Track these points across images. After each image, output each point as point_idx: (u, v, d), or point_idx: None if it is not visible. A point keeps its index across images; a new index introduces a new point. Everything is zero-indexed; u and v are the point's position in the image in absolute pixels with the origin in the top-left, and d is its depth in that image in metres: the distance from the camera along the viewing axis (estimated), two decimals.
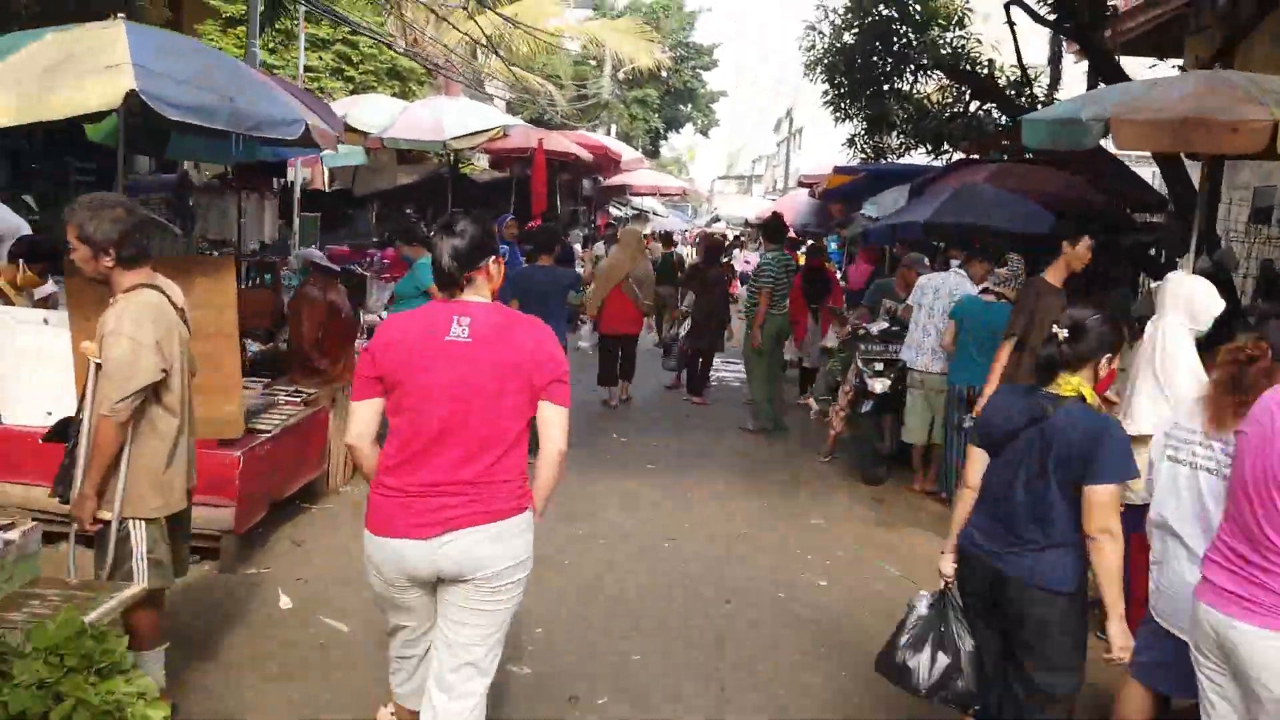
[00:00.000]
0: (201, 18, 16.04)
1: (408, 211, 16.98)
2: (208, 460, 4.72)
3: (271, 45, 15.82)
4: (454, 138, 12.85)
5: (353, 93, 16.09)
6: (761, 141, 60.90)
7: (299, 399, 5.87)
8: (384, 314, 8.77)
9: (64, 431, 3.35)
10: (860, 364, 7.59)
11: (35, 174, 10.46)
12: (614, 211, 25.99)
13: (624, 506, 6.52)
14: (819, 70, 13.44)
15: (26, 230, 6.32)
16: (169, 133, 5.91)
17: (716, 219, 33.58)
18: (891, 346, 7.62)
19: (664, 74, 33.83)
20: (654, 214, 28.70)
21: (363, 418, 2.76)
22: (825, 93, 13.62)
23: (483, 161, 19.44)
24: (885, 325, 7.98)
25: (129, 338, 3.08)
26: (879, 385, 7.41)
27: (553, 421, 2.75)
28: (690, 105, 40.98)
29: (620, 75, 31.52)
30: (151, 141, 6.38)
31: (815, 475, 7.69)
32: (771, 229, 9.55)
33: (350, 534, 5.42)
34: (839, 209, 15.50)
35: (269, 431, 5.21)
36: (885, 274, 10.46)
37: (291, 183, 13.31)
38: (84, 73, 3.90)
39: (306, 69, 15.68)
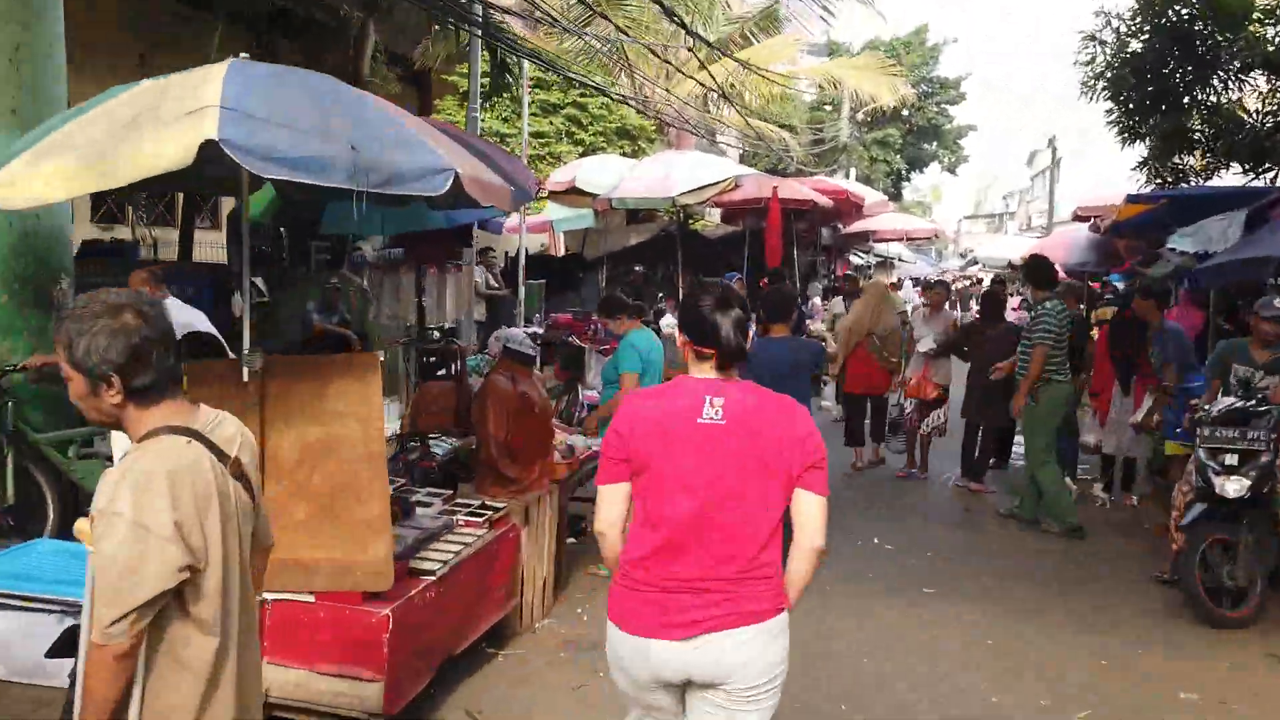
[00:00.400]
0: (442, 94, 16.18)
1: (636, 268, 16.13)
2: (348, 621, 3.68)
3: (505, 115, 15.71)
4: (683, 193, 11.93)
5: (583, 154, 15.62)
6: (1012, 175, 57.01)
7: (482, 517, 4.75)
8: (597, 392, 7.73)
9: (75, 642, 2.26)
10: (1202, 456, 5.57)
11: (264, 256, 10.21)
12: (854, 259, 24.18)
13: (902, 659, 4.89)
14: (1100, 86, 11.44)
15: (201, 327, 5.62)
16: (323, 202, 5.03)
17: (973, 261, 30.83)
18: (1250, 432, 5.53)
19: (906, 112, 31.80)
20: (899, 259, 26.69)
21: (612, 502, 2.59)
22: (1109, 111, 11.63)
23: (715, 216, 18.44)
24: (1231, 402, 5.74)
25: (129, 521, 1.94)
26: (1232, 487, 5.37)
27: (810, 513, 2.50)
28: (935, 143, 38.61)
29: (859, 116, 29.82)
30: (301, 211, 5.52)
31: (1159, 609, 5.68)
32: (1038, 272, 7.48)
33: (544, 693, 4.31)
34: (1128, 244, 13.18)
35: (434, 571, 4.07)
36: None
37: (518, 250, 12.74)
38: (163, 124, 2.94)
39: (538, 134, 15.35)
